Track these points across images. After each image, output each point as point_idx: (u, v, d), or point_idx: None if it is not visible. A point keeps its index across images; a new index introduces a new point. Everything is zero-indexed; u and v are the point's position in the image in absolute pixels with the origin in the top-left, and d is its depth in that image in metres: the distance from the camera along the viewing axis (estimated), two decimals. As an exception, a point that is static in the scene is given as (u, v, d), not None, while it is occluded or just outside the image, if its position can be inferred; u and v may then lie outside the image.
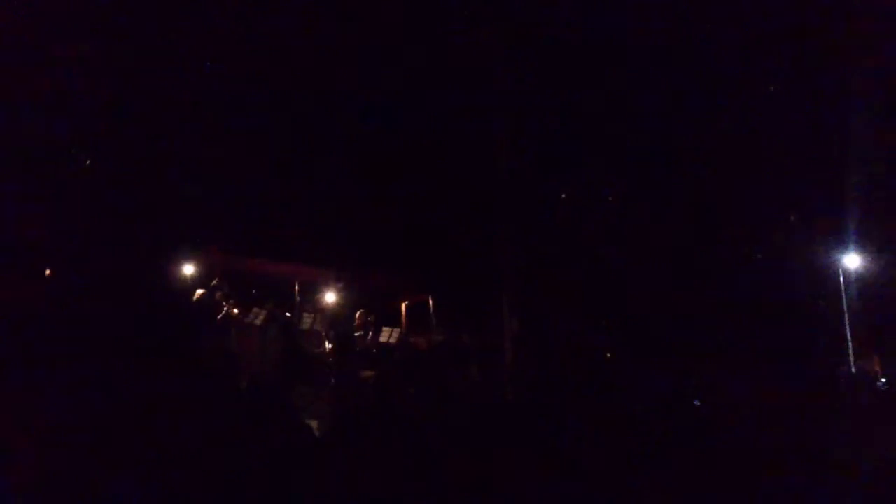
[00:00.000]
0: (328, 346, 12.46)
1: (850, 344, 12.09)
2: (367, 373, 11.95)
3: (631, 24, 11.12)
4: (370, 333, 12.65)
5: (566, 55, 11.45)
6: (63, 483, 4.73)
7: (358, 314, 12.83)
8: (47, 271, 10.04)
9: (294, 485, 5.20)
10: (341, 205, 13.38)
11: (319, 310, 13.70)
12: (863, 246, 12.37)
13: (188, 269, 12.96)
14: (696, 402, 8.67)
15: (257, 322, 12.28)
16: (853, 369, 11.63)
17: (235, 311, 12.21)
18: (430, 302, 14.60)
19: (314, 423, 7.38)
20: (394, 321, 14.11)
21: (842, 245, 12.40)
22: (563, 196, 12.70)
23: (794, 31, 11.19)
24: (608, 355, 10.91)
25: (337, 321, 13.03)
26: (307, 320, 13.20)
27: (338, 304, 13.94)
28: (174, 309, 11.19)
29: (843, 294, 12.43)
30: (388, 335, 12.92)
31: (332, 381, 11.02)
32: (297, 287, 14.43)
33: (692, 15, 10.98)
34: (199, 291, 12.12)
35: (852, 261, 12.54)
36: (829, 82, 11.48)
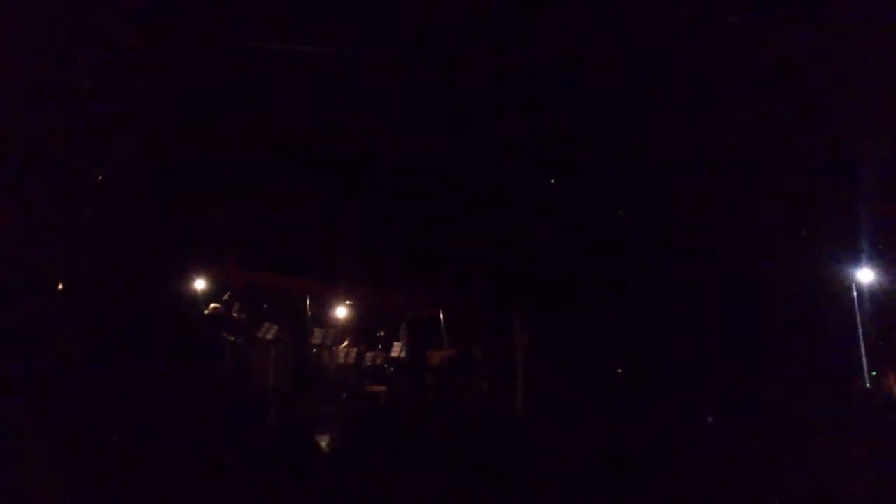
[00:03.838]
0: (344, 360, 12.55)
1: (864, 360, 11.95)
2: (379, 388, 11.96)
3: (647, 35, 11.13)
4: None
5: (580, 67, 11.46)
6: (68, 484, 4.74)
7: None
8: (59, 286, 10.10)
9: (304, 497, 5.20)
10: (351, 220, 13.39)
11: (330, 325, 13.74)
12: (877, 261, 12.25)
13: (200, 284, 13.01)
14: (710, 419, 8.61)
15: (268, 337, 12.31)
16: (868, 385, 11.50)
17: (247, 325, 12.28)
18: (441, 316, 14.58)
19: (325, 438, 7.37)
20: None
21: (855, 260, 12.28)
22: (575, 209, 12.66)
23: (807, 44, 11.19)
24: (619, 371, 10.85)
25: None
26: (318, 336, 13.23)
27: (347, 319, 14.00)
28: (186, 323, 11.23)
29: (857, 310, 12.30)
30: (398, 350, 12.93)
31: (343, 396, 11.04)
32: (307, 302, 14.45)
33: (705, 26, 10.99)
34: (212, 305, 12.19)
35: (866, 276, 12.41)
36: (841, 93, 11.43)
